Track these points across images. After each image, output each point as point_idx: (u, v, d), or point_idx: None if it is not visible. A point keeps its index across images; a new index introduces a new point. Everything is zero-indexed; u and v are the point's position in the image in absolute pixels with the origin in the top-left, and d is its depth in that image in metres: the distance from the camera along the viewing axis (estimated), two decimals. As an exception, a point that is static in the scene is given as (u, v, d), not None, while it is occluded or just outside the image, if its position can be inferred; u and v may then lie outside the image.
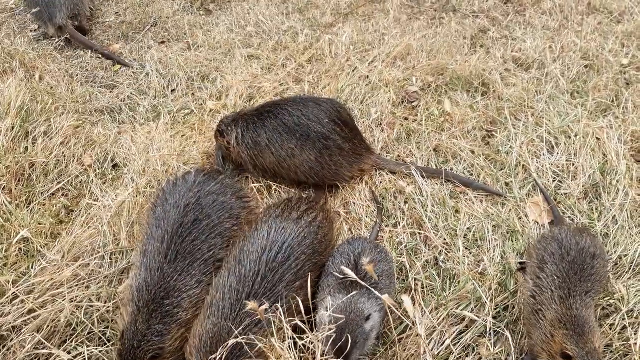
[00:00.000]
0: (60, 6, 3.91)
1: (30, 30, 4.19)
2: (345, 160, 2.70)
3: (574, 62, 3.53)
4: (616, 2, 4.21)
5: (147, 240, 2.12)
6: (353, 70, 3.62)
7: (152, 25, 4.28)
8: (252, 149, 2.70)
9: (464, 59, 3.66)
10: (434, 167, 2.86)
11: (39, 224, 2.47)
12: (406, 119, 3.23)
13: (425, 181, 2.74)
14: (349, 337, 1.80)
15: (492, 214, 2.56)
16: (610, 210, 2.51)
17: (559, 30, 3.95)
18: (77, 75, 3.63)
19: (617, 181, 2.63)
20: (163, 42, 4.09)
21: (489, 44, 3.87)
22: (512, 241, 2.41)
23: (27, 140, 2.88)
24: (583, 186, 2.66)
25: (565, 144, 2.87)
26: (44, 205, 2.60)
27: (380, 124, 3.16)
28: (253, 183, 2.78)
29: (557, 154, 2.83)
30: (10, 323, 2.00)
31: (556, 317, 1.84)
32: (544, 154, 2.84)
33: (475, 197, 2.65)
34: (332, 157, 2.66)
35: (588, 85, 3.30)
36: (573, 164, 2.76)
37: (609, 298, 2.12)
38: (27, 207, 2.57)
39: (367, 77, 3.54)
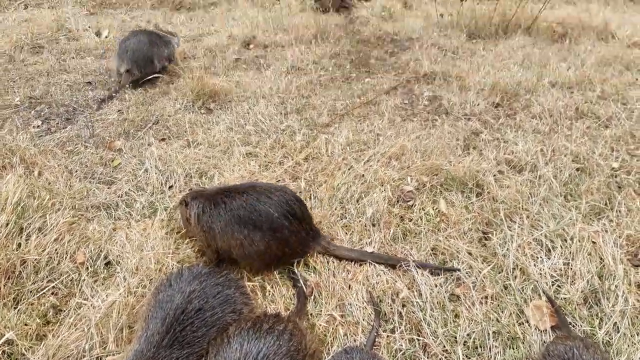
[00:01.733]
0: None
1: (33, 127, 4.29)
2: (292, 250, 2.84)
3: (566, 165, 3.61)
4: (603, 108, 4.39)
5: (148, 319, 2.08)
6: (349, 169, 3.68)
7: (153, 123, 4.39)
8: (206, 231, 2.80)
9: (457, 160, 3.74)
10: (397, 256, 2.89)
11: (25, 324, 2.38)
12: (402, 218, 3.24)
13: (424, 281, 2.70)
14: None
15: (492, 319, 2.49)
16: (611, 316, 2.45)
17: (549, 133, 4.08)
18: (76, 171, 3.66)
19: (616, 286, 2.60)
20: (163, 139, 4.18)
21: (481, 146, 3.97)
22: (513, 349, 2.34)
23: (21, 237, 2.85)
24: (582, 291, 2.61)
25: (561, 247, 2.86)
26: (32, 304, 2.52)
27: (376, 224, 3.17)
28: (247, 281, 2.74)
29: (554, 257, 2.81)
30: None
31: None
32: (541, 258, 2.83)
33: (475, 299, 2.60)
34: (279, 247, 2.78)
35: (581, 188, 3.35)
36: (571, 268, 2.73)
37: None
38: (14, 307, 2.50)
39: (363, 175, 3.59)
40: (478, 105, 4.55)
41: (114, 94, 4.85)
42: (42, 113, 4.52)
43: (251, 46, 6.23)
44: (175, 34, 5.52)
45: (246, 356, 1.91)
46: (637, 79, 4.88)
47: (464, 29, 6.28)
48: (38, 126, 4.30)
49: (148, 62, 5.04)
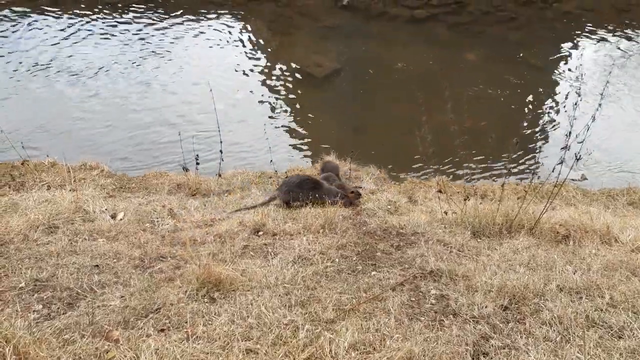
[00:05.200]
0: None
1: (33, 311, 4.23)
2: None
3: (582, 380, 3.43)
4: (614, 316, 4.29)
5: None
6: (353, 375, 3.51)
7: (154, 312, 4.32)
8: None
9: (467, 369, 3.57)
10: None
11: None
12: None
13: None
14: None
15: None
16: None
17: (560, 342, 3.94)
18: (67, 364, 3.52)
19: None
20: (162, 330, 4.07)
21: (491, 353, 3.82)
22: None
23: None
24: None
25: None
26: None
27: None
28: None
29: None
30: None
31: None
32: None
33: None
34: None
35: (601, 409, 3.14)
36: None
37: None
38: None
39: (368, 382, 3.41)
40: (486, 307, 4.47)
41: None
42: (45, 297, 4.48)
43: (260, 233, 6.38)
44: None
45: None
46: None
47: (468, 227, 6.45)
48: (38, 311, 4.24)
49: None
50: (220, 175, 8.80)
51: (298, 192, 7.43)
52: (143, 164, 10.60)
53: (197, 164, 8.01)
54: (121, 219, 6.61)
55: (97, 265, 5.16)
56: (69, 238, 5.82)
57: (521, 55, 16.20)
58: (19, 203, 6.82)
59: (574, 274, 5.12)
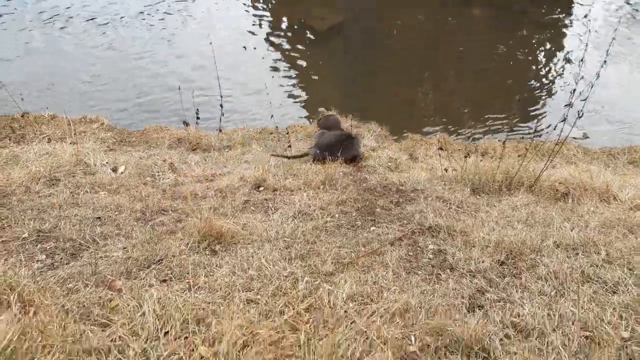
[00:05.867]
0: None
1: (37, 261, 4.30)
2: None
3: (574, 332, 3.50)
4: (609, 272, 4.36)
5: None
6: (351, 323, 3.59)
7: (156, 263, 4.39)
8: None
9: (462, 320, 3.65)
10: None
11: None
12: (404, 382, 3.09)
13: None
14: None
15: None
16: None
17: (555, 297, 4.02)
18: (72, 312, 3.59)
19: None
20: (164, 281, 4.14)
21: (487, 306, 3.90)
22: None
23: (4, 383, 2.73)
24: None
25: None
26: None
27: (377, 387, 3.02)
28: None
29: None
30: None
31: None
32: None
33: None
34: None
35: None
36: None
37: None
38: None
39: (365, 332, 3.49)
40: (483, 262, 4.54)
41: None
42: (48, 247, 4.55)
43: (261, 188, 6.41)
44: None
45: None
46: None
47: (467, 184, 6.47)
48: (42, 260, 4.31)
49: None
50: (220, 131, 8.78)
51: (333, 147, 7.54)
52: (144, 117, 10.54)
53: (198, 118, 7.98)
54: (122, 173, 6.64)
55: (99, 218, 5.22)
56: (70, 190, 5.86)
57: (528, 11, 15.87)
58: (20, 155, 6.84)
59: (572, 230, 5.17)
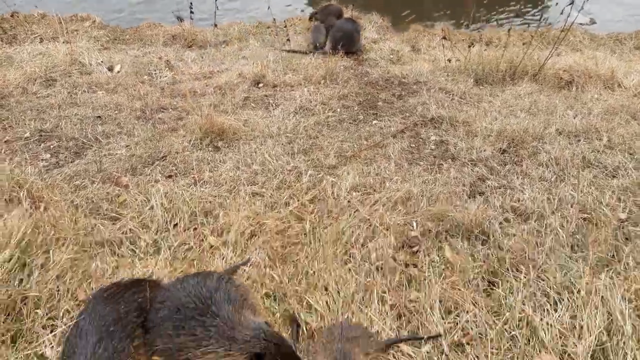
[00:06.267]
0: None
1: (42, 160, 4.33)
2: None
3: (572, 215, 3.59)
4: (610, 157, 4.39)
5: None
6: (354, 212, 3.68)
7: (160, 160, 4.42)
8: None
9: (463, 206, 3.73)
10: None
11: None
12: (407, 264, 3.21)
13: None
14: None
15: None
16: (621, 375, 2.40)
17: (555, 182, 4.08)
18: (82, 207, 3.67)
19: (624, 343, 2.55)
20: (170, 177, 4.19)
21: (487, 192, 3.97)
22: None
23: (23, 272, 2.84)
24: (589, 346, 2.56)
25: (568, 299, 2.83)
26: (30, 343, 2.49)
27: (380, 269, 3.14)
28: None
29: (561, 310, 2.77)
30: None
31: None
32: (547, 310, 2.78)
33: (480, 351, 2.55)
34: None
35: (588, 239, 3.33)
36: (578, 322, 2.69)
37: None
38: (12, 345, 2.47)
39: (368, 219, 3.58)
40: (484, 151, 4.56)
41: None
42: (52, 146, 4.56)
43: (260, 85, 6.30)
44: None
45: None
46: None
47: (471, 74, 6.35)
48: (46, 159, 4.34)
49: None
50: (216, 26, 8.46)
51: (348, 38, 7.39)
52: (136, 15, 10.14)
53: (192, 12, 7.66)
54: (118, 71, 6.50)
55: (99, 117, 5.18)
56: (68, 90, 5.78)
57: None
58: (14, 56, 6.67)
59: (574, 118, 5.15)
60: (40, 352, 2.46)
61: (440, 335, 2.68)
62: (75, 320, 2.27)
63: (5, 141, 4.61)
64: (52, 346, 2.49)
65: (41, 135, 4.72)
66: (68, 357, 2.12)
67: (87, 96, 5.67)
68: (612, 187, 3.96)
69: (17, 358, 2.37)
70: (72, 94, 5.70)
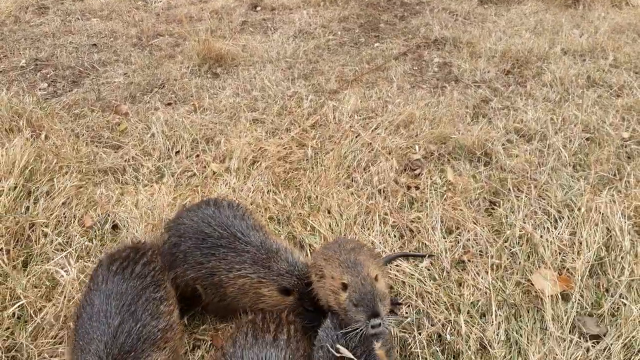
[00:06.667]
0: None
1: (39, 89, 4.27)
2: None
3: (576, 134, 3.57)
4: (615, 76, 4.31)
5: None
6: (356, 137, 3.66)
7: (159, 87, 4.36)
8: None
9: (466, 128, 3.70)
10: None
11: (35, 287, 2.42)
12: (409, 187, 3.23)
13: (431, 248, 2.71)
14: None
15: (498, 288, 2.50)
16: (617, 288, 2.46)
17: (559, 102, 4.02)
18: (82, 135, 3.66)
19: (622, 258, 2.60)
20: (169, 104, 4.15)
21: (491, 114, 3.93)
22: (517, 319, 2.35)
23: (29, 200, 2.87)
24: (588, 261, 2.61)
25: (568, 217, 2.86)
26: (40, 267, 2.55)
27: (383, 191, 3.16)
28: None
29: (561, 227, 2.81)
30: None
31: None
32: (547, 227, 2.82)
33: (481, 268, 2.61)
34: None
35: (590, 158, 3.32)
36: (577, 238, 2.73)
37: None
38: (24, 269, 2.53)
39: (370, 144, 3.57)
40: (488, 72, 4.48)
41: None
42: (48, 75, 4.49)
43: (258, 8, 6.12)
44: None
45: None
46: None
47: (475, -7, 6.14)
48: (44, 89, 4.28)
49: None
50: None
51: None
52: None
53: None
54: (111, -2, 6.30)
55: (94, 44, 5.07)
56: (61, 18, 5.62)
57: None
58: (2, -16, 6.44)
59: (580, 37, 5.01)
60: (51, 275, 2.52)
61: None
62: (85, 295, 2.01)
63: (0, 71, 4.53)
64: (65, 269, 2.54)
65: (37, 64, 4.64)
66: (85, 343, 1.82)
67: (81, 23, 5.52)
68: (616, 107, 3.91)
69: (29, 280, 2.43)
70: (66, 22, 5.55)
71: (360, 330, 1.87)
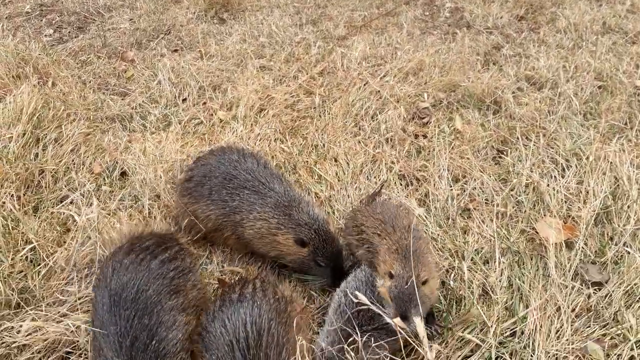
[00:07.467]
0: None
1: (45, 35, 4.23)
2: None
3: (588, 82, 3.50)
4: (631, 22, 4.18)
5: None
6: (364, 84, 3.61)
7: (165, 33, 4.30)
8: None
9: (476, 76, 3.64)
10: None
11: (46, 232, 2.47)
12: (417, 135, 3.21)
13: (435, 197, 2.72)
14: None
15: (502, 236, 2.52)
16: (622, 236, 2.47)
17: (572, 49, 3.93)
18: (89, 82, 3.65)
19: (629, 207, 2.60)
20: (176, 51, 4.10)
21: (502, 61, 3.85)
22: (520, 266, 2.38)
23: (38, 147, 2.89)
24: (594, 210, 2.62)
25: (576, 166, 2.84)
26: (51, 213, 2.60)
27: (390, 140, 3.15)
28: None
29: (569, 176, 2.80)
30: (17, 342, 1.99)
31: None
32: (554, 176, 2.81)
33: (486, 216, 2.62)
34: None
35: (601, 107, 3.27)
36: (584, 187, 2.72)
37: (617, 328, 2.08)
38: (35, 215, 2.58)
39: (378, 92, 3.53)
40: (501, 18, 4.36)
41: None
42: (54, 21, 4.43)
43: (266, -49, 5.94)
44: None
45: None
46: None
47: None
48: (50, 35, 4.24)
49: None
50: None
51: None
52: None
53: None
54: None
55: (99, -11, 4.98)
56: (64, -38, 5.50)
57: None
58: None
59: (599, -20, 4.84)
60: (62, 220, 2.57)
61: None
62: (98, 289, 1.89)
63: (6, 17, 4.48)
64: (77, 214, 2.59)
65: (42, 10, 4.58)
66: (99, 349, 1.73)
67: (85, -33, 5.40)
68: (631, 54, 3.82)
69: (40, 225, 2.48)
70: (69, -35, 5.43)
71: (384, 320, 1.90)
